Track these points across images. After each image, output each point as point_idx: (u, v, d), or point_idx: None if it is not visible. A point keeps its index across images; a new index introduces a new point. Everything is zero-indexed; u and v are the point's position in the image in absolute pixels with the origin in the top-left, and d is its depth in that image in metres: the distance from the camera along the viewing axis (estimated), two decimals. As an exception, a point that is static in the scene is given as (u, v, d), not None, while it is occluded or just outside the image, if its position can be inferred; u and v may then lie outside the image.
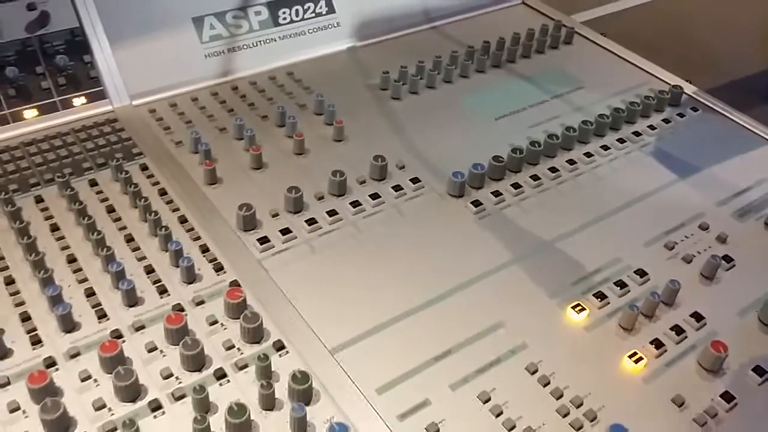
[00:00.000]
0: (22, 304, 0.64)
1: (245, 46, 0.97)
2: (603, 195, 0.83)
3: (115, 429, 0.55)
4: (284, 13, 1.00)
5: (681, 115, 0.97)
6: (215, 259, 0.70)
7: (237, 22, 0.97)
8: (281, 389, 0.59)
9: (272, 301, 0.67)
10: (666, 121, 0.96)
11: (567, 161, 0.86)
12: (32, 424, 0.55)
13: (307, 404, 0.58)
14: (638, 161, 0.88)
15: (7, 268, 0.67)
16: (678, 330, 0.68)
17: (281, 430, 0.57)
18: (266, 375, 0.59)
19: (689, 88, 1.02)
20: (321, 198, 0.78)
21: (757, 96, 1.04)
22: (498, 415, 0.59)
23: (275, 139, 0.86)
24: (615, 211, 0.81)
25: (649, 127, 0.94)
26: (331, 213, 0.76)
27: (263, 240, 0.73)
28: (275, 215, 0.76)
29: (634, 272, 0.73)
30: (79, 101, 0.86)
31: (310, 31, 1.02)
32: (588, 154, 0.88)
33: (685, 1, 1.30)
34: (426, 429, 0.58)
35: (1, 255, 0.68)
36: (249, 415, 0.56)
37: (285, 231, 0.74)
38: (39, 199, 0.75)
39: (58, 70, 0.85)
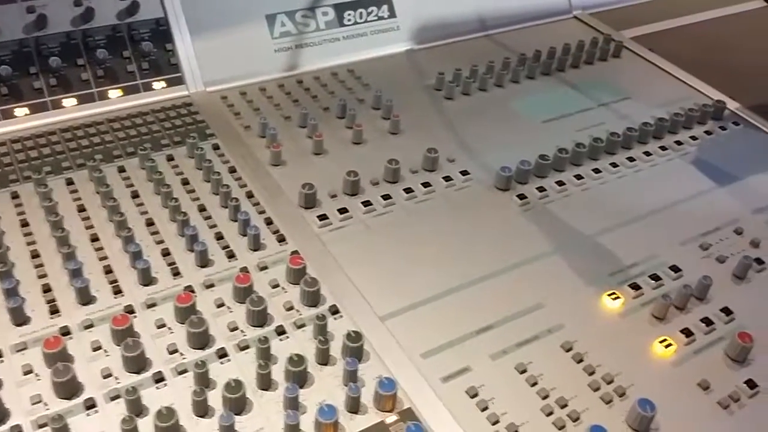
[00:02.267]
0: (104, 257, 0.71)
1: (312, 44, 1.04)
2: (643, 196, 0.87)
3: (186, 370, 0.62)
4: (349, 14, 1.07)
5: (723, 128, 1.01)
6: (278, 231, 0.76)
7: (305, 21, 1.04)
8: (334, 349, 0.65)
9: (329, 271, 0.73)
10: (708, 133, 1.00)
11: (610, 164, 0.91)
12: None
13: (359, 362, 0.64)
14: (679, 168, 0.93)
15: (92, 227, 0.75)
16: (707, 322, 0.72)
17: (335, 382, 0.62)
18: (323, 333, 0.65)
19: (732, 104, 1.05)
20: (376, 183, 0.84)
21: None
22: (533, 385, 0.64)
23: (335, 128, 0.93)
24: (653, 212, 0.85)
25: (690, 137, 0.98)
26: (385, 197, 0.82)
27: (322, 217, 0.79)
28: (333, 196, 0.82)
29: (669, 268, 0.77)
30: (159, 85, 0.93)
31: (372, 33, 1.09)
32: (630, 159, 0.92)
33: (732, 23, 1.33)
34: (466, 392, 0.63)
35: (88, 216, 0.76)
36: (307, 366, 0.61)
37: (342, 210, 0.80)
38: (122, 169, 0.82)
39: (142, 56, 0.93)
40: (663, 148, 0.95)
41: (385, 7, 1.10)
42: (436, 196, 0.84)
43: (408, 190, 0.84)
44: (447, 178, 0.86)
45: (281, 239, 0.75)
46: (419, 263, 0.75)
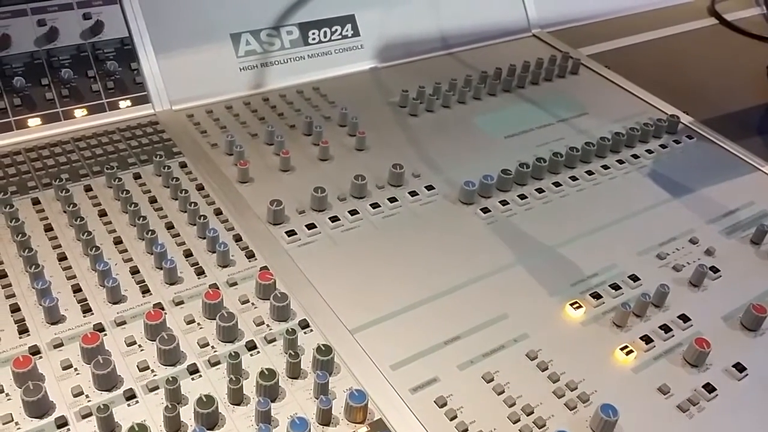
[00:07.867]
0: (73, 276, 0.71)
1: (277, 62, 1.06)
2: (602, 208, 0.90)
3: (157, 387, 0.62)
4: (313, 33, 1.09)
5: (677, 142, 1.04)
6: (247, 248, 0.77)
7: (270, 40, 1.05)
8: (305, 363, 0.66)
9: (298, 285, 0.74)
10: (663, 146, 1.03)
11: (569, 177, 0.94)
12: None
13: (329, 375, 0.64)
14: (635, 181, 0.96)
15: (59, 246, 0.74)
16: (666, 329, 0.74)
17: (306, 395, 0.63)
18: (293, 347, 0.66)
19: (685, 118, 1.09)
20: (343, 199, 0.86)
21: (747, 128, 1.11)
22: (500, 393, 0.66)
23: (302, 145, 0.94)
24: (612, 223, 0.88)
25: (646, 151, 1.01)
26: (353, 212, 0.84)
27: (290, 233, 0.80)
28: (301, 212, 0.83)
29: (628, 277, 0.80)
30: (124, 104, 0.94)
31: (337, 51, 1.11)
32: (589, 172, 0.95)
33: (684, 40, 1.39)
34: (435, 402, 0.64)
35: (55, 235, 0.76)
36: (278, 379, 0.62)
37: (310, 226, 0.81)
38: (88, 188, 0.82)
39: (107, 75, 0.93)
40: (620, 161, 0.98)
41: (349, 26, 1.11)
42: (402, 210, 0.86)
43: (374, 205, 0.85)
44: (412, 193, 0.88)
45: (250, 255, 0.76)
46: (387, 276, 0.77)
